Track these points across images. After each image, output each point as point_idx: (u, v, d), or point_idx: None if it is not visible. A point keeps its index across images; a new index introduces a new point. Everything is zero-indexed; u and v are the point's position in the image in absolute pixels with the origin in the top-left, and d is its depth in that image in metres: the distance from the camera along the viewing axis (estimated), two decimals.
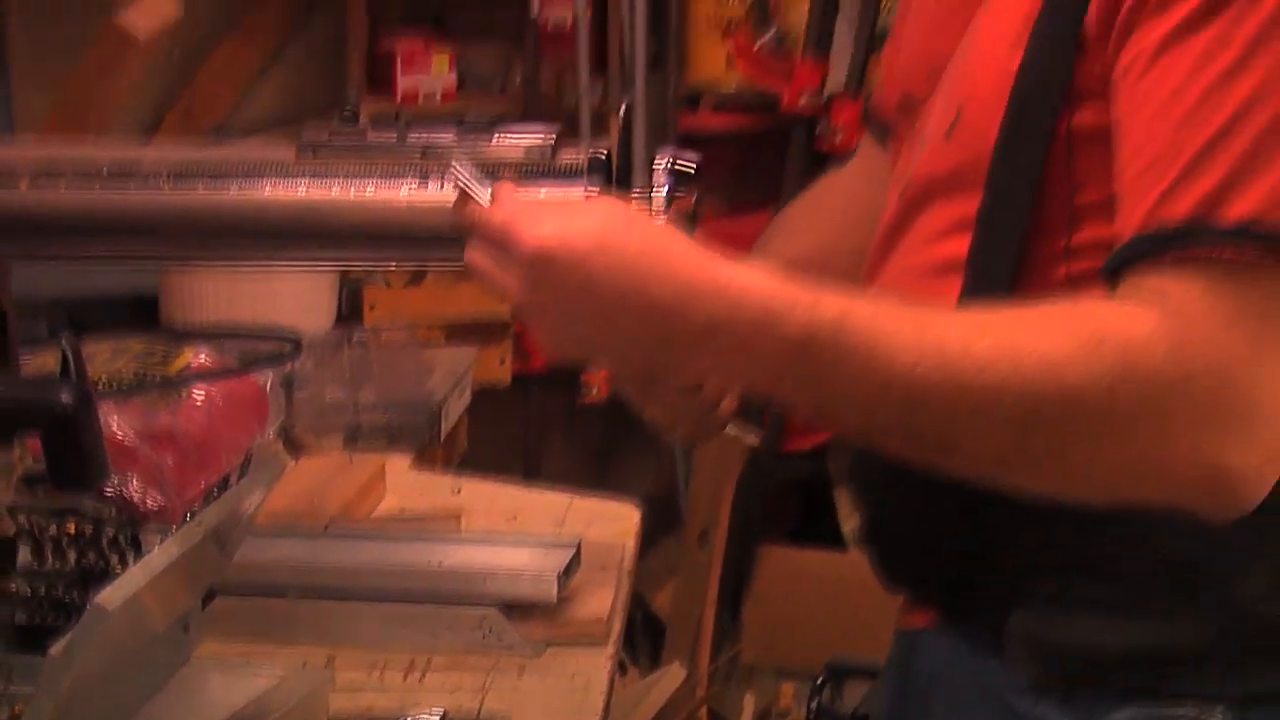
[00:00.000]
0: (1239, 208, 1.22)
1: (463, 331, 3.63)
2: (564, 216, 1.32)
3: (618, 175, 1.73)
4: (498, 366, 3.75)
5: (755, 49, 3.75)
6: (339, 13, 3.87)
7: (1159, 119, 1.26)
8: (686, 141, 3.79)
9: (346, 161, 2.01)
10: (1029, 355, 1.23)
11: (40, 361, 2.12)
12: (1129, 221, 1.27)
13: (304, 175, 1.96)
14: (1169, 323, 1.23)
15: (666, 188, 1.64)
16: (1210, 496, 1.24)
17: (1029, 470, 1.28)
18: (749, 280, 1.28)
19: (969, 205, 1.41)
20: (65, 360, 1.62)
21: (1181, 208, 1.23)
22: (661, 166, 1.65)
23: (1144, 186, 1.26)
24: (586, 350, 1.40)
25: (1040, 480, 1.29)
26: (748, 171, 3.85)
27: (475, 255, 1.37)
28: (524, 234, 1.30)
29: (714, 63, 3.90)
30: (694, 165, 1.64)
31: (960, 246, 1.42)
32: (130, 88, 3.50)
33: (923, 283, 1.45)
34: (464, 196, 1.42)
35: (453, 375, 2.93)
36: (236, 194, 1.96)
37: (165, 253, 2.31)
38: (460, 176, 1.44)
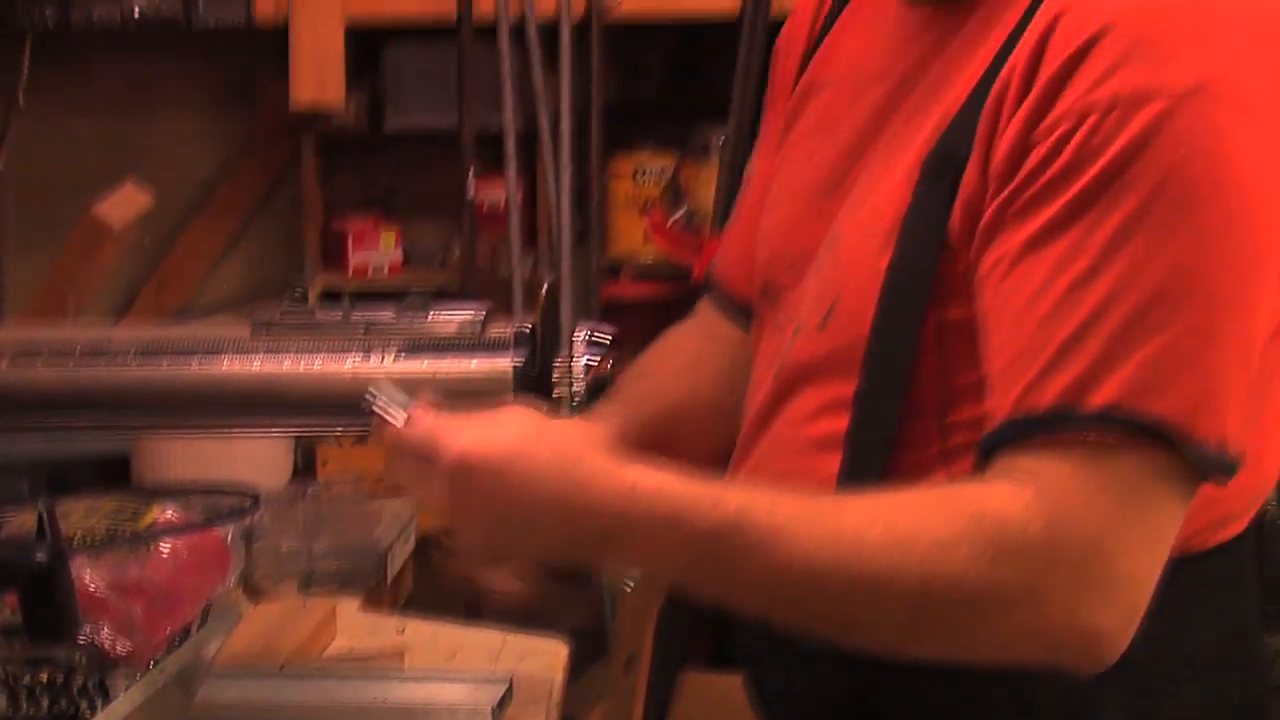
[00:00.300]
0: (1100, 396, 1.22)
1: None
2: (481, 427, 1.32)
3: (543, 345, 1.78)
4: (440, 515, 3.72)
5: (669, 225, 3.79)
6: (295, 196, 3.92)
7: (1024, 316, 1.27)
8: (609, 308, 3.82)
9: (297, 338, 2.07)
10: (918, 540, 1.24)
11: (21, 520, 2.09)
12: (1000, 407, 1.28)
13: (258, 351, 2.00)
14: (1041, 500, 1.23)
15: (585, 356, 1.72)
16: (1081, 655, 1.26)
17: (921, 643, 1.29)
18: (655, 481, 1.28)
19: (845, 388, 1.41)
20: (41, 521, 1.63)
21: (1047, 397, 1.24)
22: (581, 338, 1.72)
23: (1012, 377, 1.27)
24: (510, 550, 1.40)
25: (931, 651, 1.29)
26: (662, 334, 3.75)
27: (400, 470, 1.37)
28: (445, 446, 1.30)
29: (633, 237, 3.95)
30: (609, 336, 1.73)
31: (835, 425, 1.42)
32: (106, 272, 3.57)
33: (801, 458, 1.46)
34: (382, 420, 1.40)
35: (398, 524, 2.92)
36: (197, 369, 1.98)
37: (134, 423, 2.33)
38: (377, 402, 1.42)
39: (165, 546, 2.28)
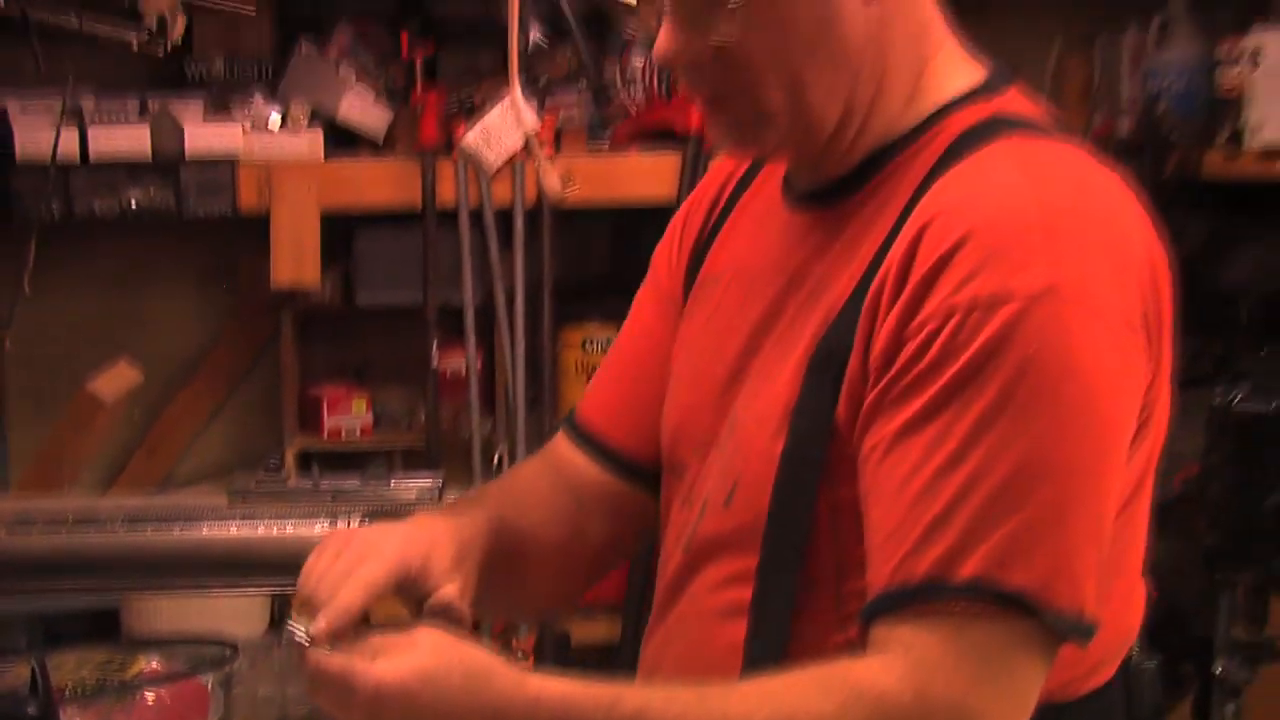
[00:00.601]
0: (966, 569, 1.24)
1: (376, 631, 3.65)
2: (393, 655, 1.30)
3: None
4: None
5: None
6: (275, 366, 3.90)
7: (898, 496, 1.28)
8: None
9: (270, 504, 2.16)
10: (797, 710, 1.27)
11: (16, 672, 2.13)
12: (877, 579, 1.29)
13: (235, 518, 2.10)
14: (913, 671, 1.25)
15: None
16: None
17: None
18: (557, 690, 1.30)
19: (748, 561, 1.41)
20: (34, 674, 1.66)
21: (919, 570, 1.26)
22: None
23: (888, 552, 1.28)
24: None
25: None
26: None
27: (319, 697, 1.35)
28: (358, 676, 1.29)
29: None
30: None
31: (740, 595, 1.42)
32: (99, 442, 3.61)
33: (709, 625, 1.46)
34: (301, 650, 1.36)
35: None
36: (179, 535, 2.07)
37: (121, 584, 2.39)
38: (295, 634, 1.38)
39: (150, 694, 2.36)
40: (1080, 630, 1.27)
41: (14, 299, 3.45)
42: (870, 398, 1.33)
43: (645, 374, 1.67)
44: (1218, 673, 2.26)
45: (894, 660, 1.27)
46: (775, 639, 1.39)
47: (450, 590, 1.46)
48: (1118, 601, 1.39)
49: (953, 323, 1.27)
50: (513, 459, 3.75)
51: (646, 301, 1.73)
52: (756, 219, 1.59)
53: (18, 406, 3.87)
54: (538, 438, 3.76)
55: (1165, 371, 1.37)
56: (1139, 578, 1.46)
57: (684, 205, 1.73)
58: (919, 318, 1.29)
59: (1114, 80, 3.93)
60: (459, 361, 3.79)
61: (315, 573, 1.43)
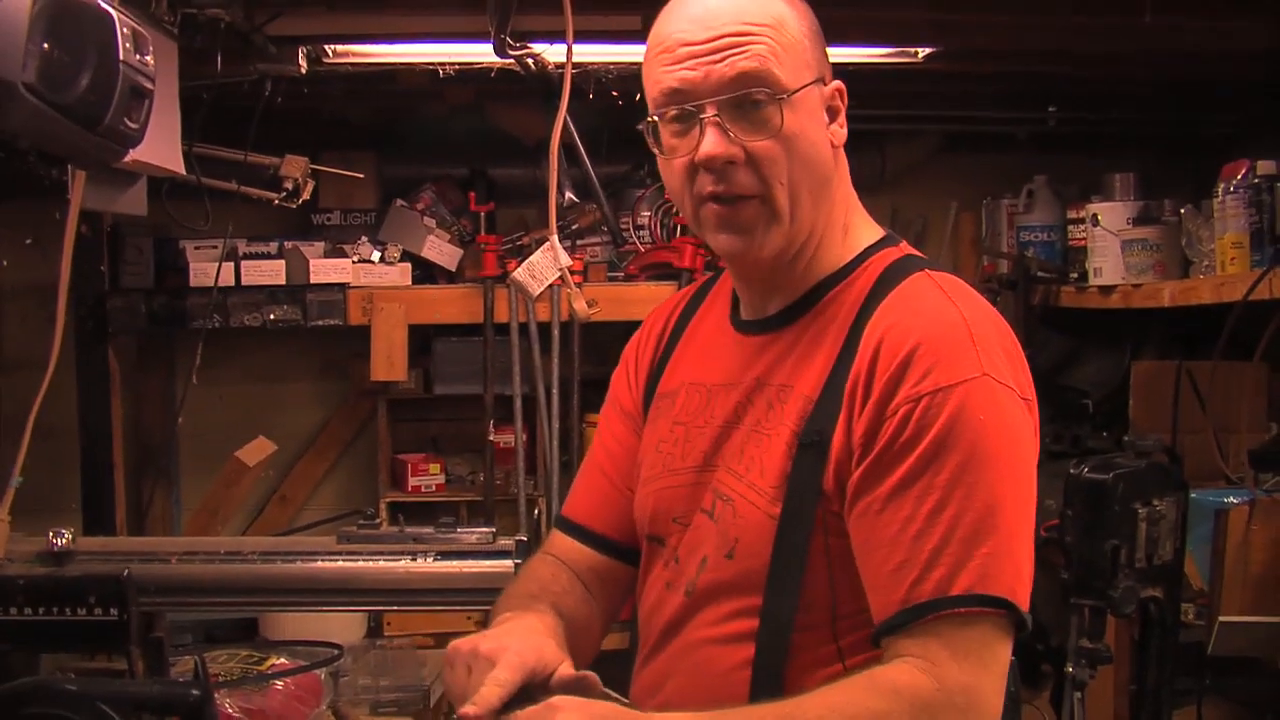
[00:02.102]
0: (960, 585, 1.26)
1: (445, 639, 3.56)
2: (561, 711, 1.24)
3: (531, 549, 1.88)
4: None
5: None
6: (373, 439, 3.89)
7: (899, 538, 1.28)
8: None
9: (367, 546, 2.16)
10: (859, 710, 1.25)
11: (184, 665, 2.20)
12: (889, 604, 1.29)
13: (341, 555, 2.11)
14: (929, 669, 1.26)
15: None
16: None
17: None
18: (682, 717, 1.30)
19: (751, 599, 1.38)
20: (197, 666, 1.67)
21: (926, 590, 1.27)
22: None
23: (898, 580, 1.28)
24: None
25: None
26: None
27: None
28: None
29: None
30: None
31: (747, 625, 1.39)
32: (244, 496, 3.65)
33: (717, 649, 1.42)
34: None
35: (438, 666, 2.67)
36: (300, 566, 2.09)
37: (258, 602, 2.40)
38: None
39: (279, 684, 2.39)
40: (1027, 623, 1.30)
41: (185, 388, 3.48)
42: (859, 470, 1.33)
43: (617, 476, 1.62)
44: (1069, 672, 2.27)
45: (916, 662, 1.27)
46: (778, 656, 1.37)
47: (568, 668, 1.36)
48: None
49: (921, 406, 1.29)
50: (549, 511, 3.74)
51: (612, 419, 1.66)
52: (703, 346, 1.57)
53: (186, 469, 3.88)
54: (565, 492, 3.79)
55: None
56: None
57: (631, 343, 1.68)
58: (892, 405, 1.31)
59: (996, 234, 3.96)
60: (509, 437, 3.77)
61: (458, 686, 1.35)
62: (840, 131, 1.45)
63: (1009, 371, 1.33)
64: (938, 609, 1.27)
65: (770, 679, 1.36)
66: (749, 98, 1.37)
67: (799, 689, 1.32)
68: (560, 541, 1.66)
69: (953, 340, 1.32)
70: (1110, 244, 3.32)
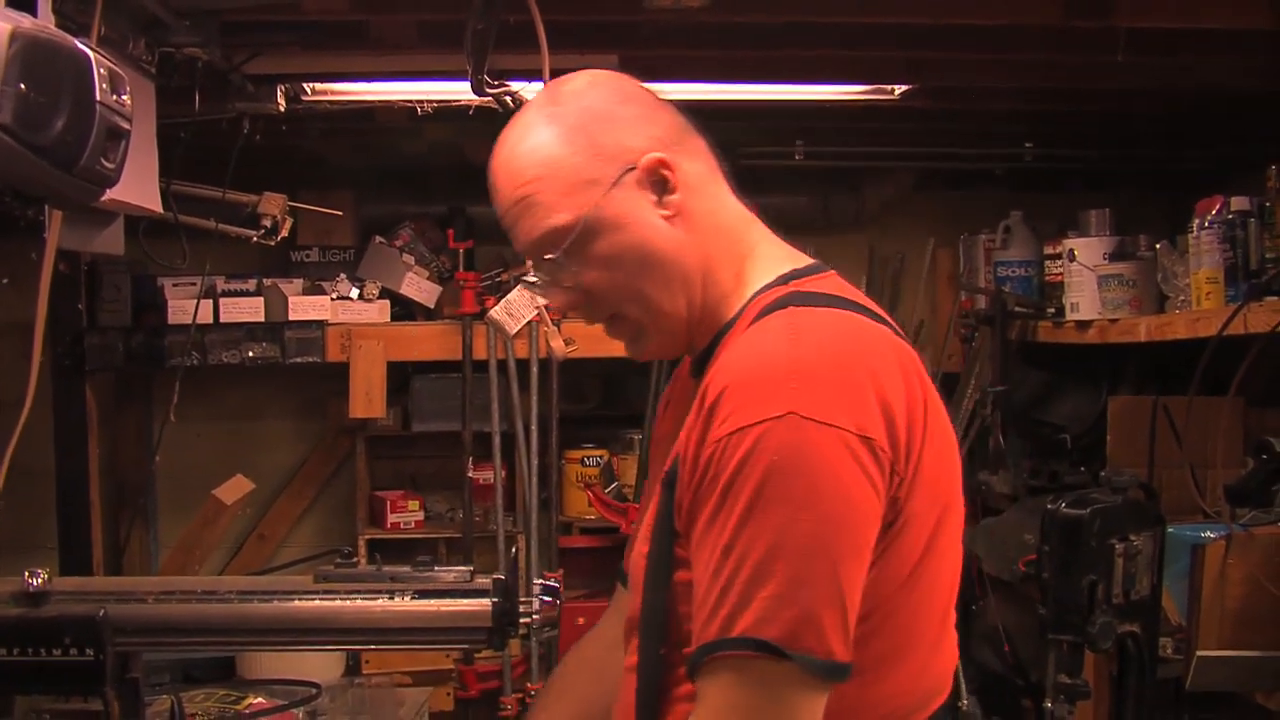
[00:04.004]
0: (739, 627, 1.22)
1: (422, 676, 3.58)
2: None
3: (509, 589, 1.77)
4: (445, 698, 3.69)
5: (604, 496, 3.69)
6: (351, 476, 3.91)
7: (702, 578, 1.27)
8: (563, 552, 3.79)
9: (345, 585, 2.14)
10: None
11: (160, 704, 2.15)
12: (695, 643, 1.28)
13: (319, 594, 2.08)
14: (709, 715, 1.26)
15: (540, 599, 1.72)
16: None
17: None
18: None
19: (636, 634, 1.40)
20: (173, 706, 1.69)
21: (713, 631, 1.24)
22: (539, 585, 1.73)
23: (699, 620, 1.27)
24: None
25: None
26: (602, 572, 3.75)
27: None
28: None
29: (580, 504, 3.87)
30: (558, 584, 1.74)
31: (634, 660, 1.41)
32: (222, 534, 3.64)
33: (628, 678, 1.43)
34: None
35: (415, 706, 2.88)
36: (277, 605, 2.04)
37: (235, 642, 2.33)
38: None
39: None
40: (834, 670, 1.24)
41: (163, 426, 3.48)
42: (686, 509, 1.32)
43: None
44: (1047, 707, 2.27)
45: (698, 708, 1.27)
46: (651, 693, 1.37)
47: None
48: (914, 668, 1.36)
49: (720, 447, 1.26)
50: (529, 548, 3.75)
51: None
52: (675, 393, 1.59)
53: (164, 508, 3.87)
54: (547, 531, 3.80)
55: (922, 485, 1.31)
56: (936, 647, 1.40)
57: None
58: (705, 447, 1.28)
59: (974, 270, 3.99)
60: (488, 473, 3.79)
61: None
62: (674, 200, 1.40)
63: (840, 409, 1.25)
64: (717, 649, 1.25)
65: (648, 713, 1.37)
66: (548, 259, 1.40)
67: None
68: (619, 591, 1.69)
69: (762, 380, 1.27)
70: (1087, 279, 3.35)
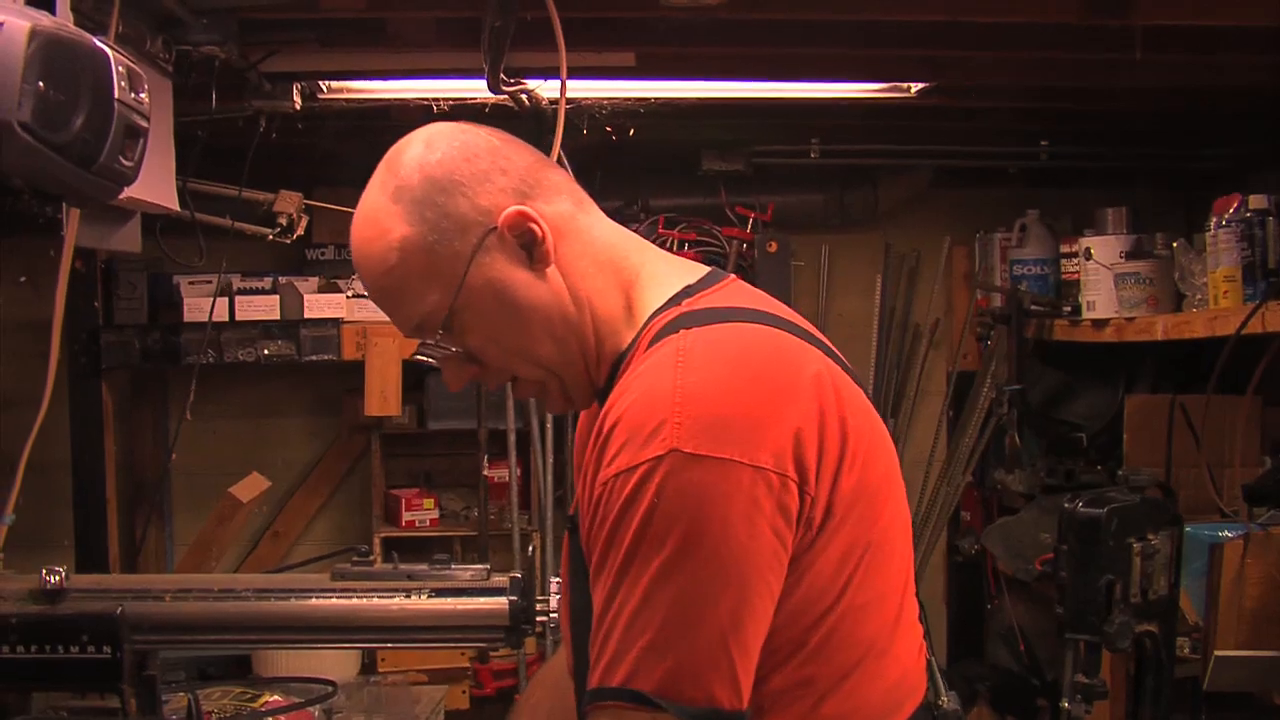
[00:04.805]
0: (617, 677, 1.18)
1: (438, 675, 3.57)
2: None
3: (525, 587, 1.86)
4: (460, 696, 3.68)
5: None
6: (366, 475, 3.89)
7: (596, 623, 1.22)
8: None
9: (361, 583, 2.14)
10: None
11: (177, 702, 2.16)
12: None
13: (335, 592, 2.08)
14: None
15: (556, 597, 1.78)
16: None
17: None
18: None
19: None
20: (190, 704, 1.68)
21: (595, 678, 1.20)
22: (554, 583, 1.78)
23: (592, 665, 1.23)
24: None
25: None
26: None
27: None
28: None
29: None
30: None
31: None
32: (238, 531, 3.64)
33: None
34: None
35: (431, 704, 2.91)
36: (294, 603, 2.05)
37: (252, 640, 2.36)
38: None
39: None
40: (720, 716, 1.18)
41: (179, 424, 3.49)
42: (586, 547, 1.27)
43: None
44: (1064, 707, 2.27)
45: None
46: None
47: None
48: (876, 674, 1.30)
49: (605, 490, 1.20)
50: (543, 546, 3.76)
51: None
52: (584, 423, 1.51)
53: (180, 505, 3.88)
54: (560, 528, 3.76)
55: (845, 495, 1.24)
56: (892, 652, 1.33)
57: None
58: (594, 488, 1.23)
59: (989, 268, 3.99)
60: (503, 471, 3.78)
61: None
62: (542, 250, 1.33)
63: (728, 439, 1.18)
64: (597, 699, 1.21)
65: None
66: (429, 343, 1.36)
67: None
68: None
69: (644, 418, 1.20)
70: (1103, 278, 3.33)
